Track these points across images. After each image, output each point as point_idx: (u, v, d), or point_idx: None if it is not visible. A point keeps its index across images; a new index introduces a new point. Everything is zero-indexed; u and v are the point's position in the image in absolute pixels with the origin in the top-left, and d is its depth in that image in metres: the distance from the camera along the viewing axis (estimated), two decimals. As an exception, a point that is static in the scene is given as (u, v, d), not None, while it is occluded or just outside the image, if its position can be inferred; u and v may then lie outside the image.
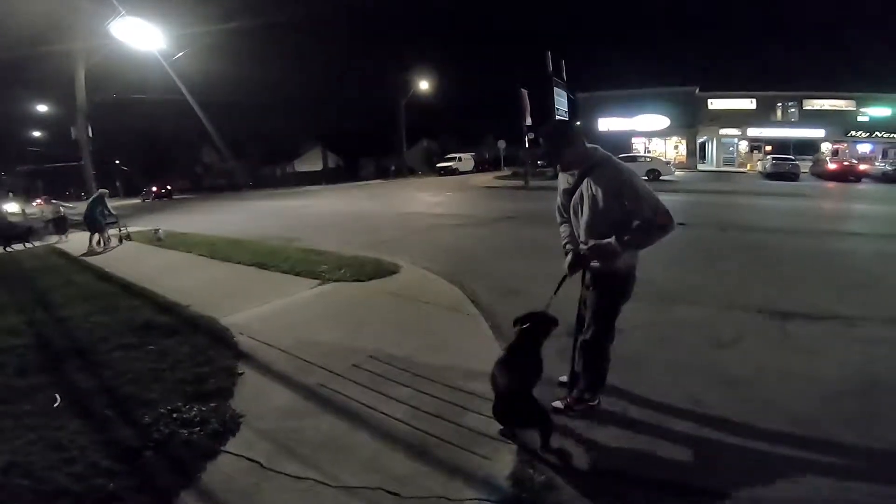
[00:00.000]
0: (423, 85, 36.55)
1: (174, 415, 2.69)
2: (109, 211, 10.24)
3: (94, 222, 9.69)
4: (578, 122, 35.65)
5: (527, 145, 25.72)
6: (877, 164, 29.23)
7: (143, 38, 14.66)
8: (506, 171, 33.78)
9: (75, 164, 15.63)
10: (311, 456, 2.37)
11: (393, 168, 42.93)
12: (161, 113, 33.32)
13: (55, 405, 2.90)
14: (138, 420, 2.68)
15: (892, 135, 32.95)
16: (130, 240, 10.33)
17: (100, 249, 9.46)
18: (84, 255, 9.00)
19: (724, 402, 2.77)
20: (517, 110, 26.02)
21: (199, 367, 3.32)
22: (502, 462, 2.28)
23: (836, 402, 2.77)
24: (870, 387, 2.93)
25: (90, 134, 15.23)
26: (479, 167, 40.24)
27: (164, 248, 8.93)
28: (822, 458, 2.30)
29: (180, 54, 16.72)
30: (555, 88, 28.59)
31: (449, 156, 39.49)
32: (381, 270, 5.98)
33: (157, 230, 10.19)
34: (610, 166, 2.33)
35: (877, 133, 33.37)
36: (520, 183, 23.55)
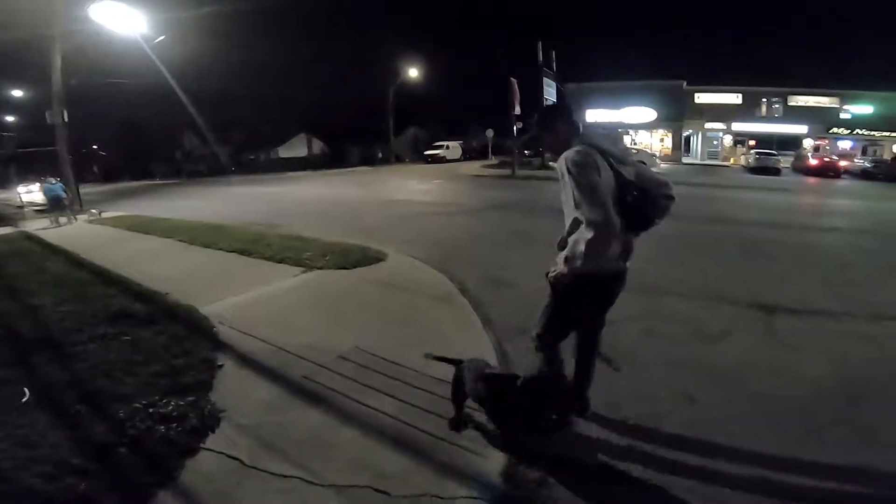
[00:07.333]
0: (413, 73, 35.82)
1: (150, 409, 2.56)
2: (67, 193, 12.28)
3: (57, 202, 11.92)
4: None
5: (515, 134, 25.62)
6: (856, 160, 29.80)
7: (124, 22, 14.08)
8: (493, 160, 33.59)
9: (49, 149, 15.04)
10: (295, 453, 2.28)
11: (380, 155, 42.31)
12: (142, 98, 32.21)
13: (23, 400, 2.74)
14: (112, 415, 2.54)
15: (873, 132, 33.53)
16: (76, 221, 11.57)
17: (54, 226, 10.85)
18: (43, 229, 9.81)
19: (714, 396, 2.76)
20: (506, 99, 25.85)
21: (177, 358, 3.18)
22: (494, 459, 2.21)
23: (822, 397, 2.77)
24: (854, 383, 2.94)
25: (65, 118, 14.63)
26: (467, 155, 39.89)
27: (142, 234, 8.65)
28: (806, 453, 2.28)
29: (161, 38, 16.11)
30: (544, 79, 28.45)
31: (437, 143, 39.02)
32: (367, 258, 5.85)
33: (99, 211, 12.43)
34: (568, 151, 2.13)
35: (858, 130, 33.92)
36: (507, 172, 23.46)
